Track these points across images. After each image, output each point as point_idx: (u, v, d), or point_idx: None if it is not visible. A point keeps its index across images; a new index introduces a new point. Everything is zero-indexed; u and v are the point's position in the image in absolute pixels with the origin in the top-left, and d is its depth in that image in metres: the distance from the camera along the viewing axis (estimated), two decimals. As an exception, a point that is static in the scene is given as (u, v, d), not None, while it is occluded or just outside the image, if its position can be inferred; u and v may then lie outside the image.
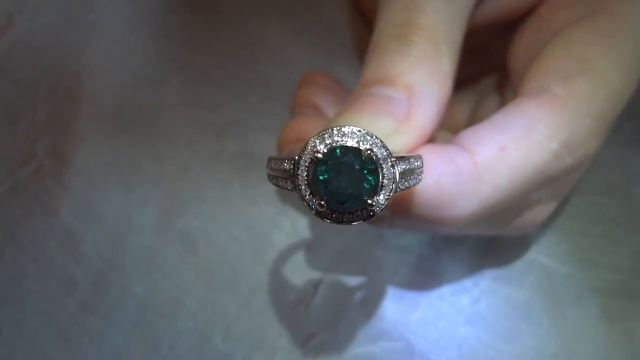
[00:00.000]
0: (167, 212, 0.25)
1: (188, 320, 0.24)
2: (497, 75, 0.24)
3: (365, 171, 0.13)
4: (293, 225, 0.25)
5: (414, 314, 0.23)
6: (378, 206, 0.13)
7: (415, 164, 0.14)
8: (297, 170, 0.13)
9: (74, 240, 0.25)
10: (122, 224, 0.25)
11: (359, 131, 0.13)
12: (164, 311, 0.24)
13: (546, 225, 0.25)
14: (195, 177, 0.26)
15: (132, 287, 0.24)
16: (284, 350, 0.23)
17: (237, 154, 0.26)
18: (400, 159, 0.13)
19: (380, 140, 0.13)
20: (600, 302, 0.23)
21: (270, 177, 0.15)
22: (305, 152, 0.13)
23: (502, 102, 0.23)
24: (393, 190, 0.13)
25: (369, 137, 0.13)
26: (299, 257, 0.24)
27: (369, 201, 0.13)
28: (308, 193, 0.13)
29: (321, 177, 0.13)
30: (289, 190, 0.14)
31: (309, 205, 0.13)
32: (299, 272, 0.24)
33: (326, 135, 0.13)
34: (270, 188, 0.25)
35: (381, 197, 0.13)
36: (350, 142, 0.13)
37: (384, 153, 0.13)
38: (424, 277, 0.24)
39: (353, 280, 0.24)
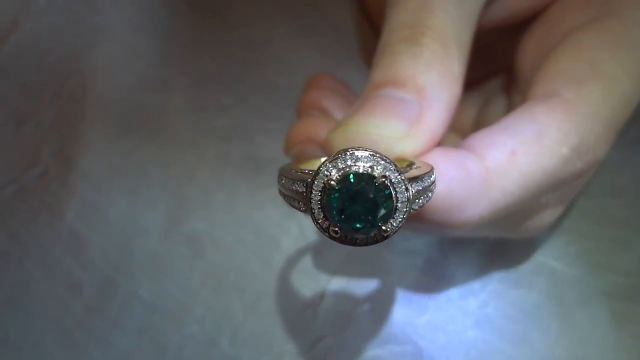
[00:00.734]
0: (174, 216, 0.25)
1: (195, 324, 0.24)
2: (503, 77, 0.24)
3: (379, 197, 0.13)
4: (300, 228, 0.25)
5: (422, 318, 0.23)
6: (392, 230, 0.13)
7: (429, 180, 0.14)
8: (310, 195, 0.13)
9: (80, 243, 0.25)
10: (128, 228, 0.25)
11: (372, 155, 0.13)
12: (170, 315, 0.24)
13: (554, 228, 0.24)
14: (201, 180, 0.25)
15: (139, 290, 0.24)
16: (291, 354, 0.23)
17: (243, 157, 0.26)
18: (414, 179, 0.13)
19: (394, 164, 0.13)
20: (609, 305, 0.23)
21: (283, 195, 0.15)
22: (318, 177, 0.13)
23: (509, 104, 0.23)
24: (407, 213, 0.13)
25: (382, 161, 0.13)
26: (307, 261, 0.24)
27: (383, 227, 0.13)
28: (322, 217, 0.13)
29: (334, 204, 0.13)
30: (301, 211, 0.14)
31: (322, 228, 0.13)
32: (306, 276, 0.24)
33: (339, 161, 0.13)
34: (277, 191, 0.25)
35: (395, 221, 0.13)
36: (363, 167, 0.13)
37: (398, 177, 0.13)
38: (432, 280, 0.24)
39: (361, 284, 0.24)
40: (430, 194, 0.14)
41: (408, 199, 0.13)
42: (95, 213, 0.25)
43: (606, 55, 0.17)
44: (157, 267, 0.24)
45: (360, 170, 0.13)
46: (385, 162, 0.13)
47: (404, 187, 0.13)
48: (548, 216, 0.20)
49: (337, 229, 0.13)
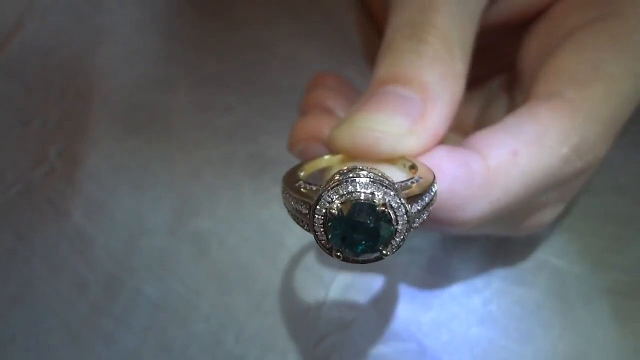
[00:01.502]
0: (179, 215, 0.25)
1: (200, 322, 0.24)
2: (506, 76, 0.24)
3: (380, 224, 0.13)
4: (305, 226, 0.25)
5: (425, 315, 0.23)
6: (392, 251, 0.13)
7: (429, 196, 0.14)
8: (313, 219, 0.13)
9: (85, 242, 0.25)
10: (133, 226, 0.25)
11: (372, 181, 0.13)
12: (176, 313, 0.24)
13: (556, 225, 0.25)
14: (206, 179, 0.26)
15: (144, 289, 0.24)
16: (296, 351, 0.23)
17: (248, 156, 0.26)
18: (415, 198, 0.14)
19: (394, 188, 0.13)
20: (611, 302, 0.23)
21: (287, 209, 0.15)
22: (320, 204, 0.13)
23: (511, 103, 0.23)
24: (407, 233, 0.13)
25: (382, 187, 0.13)
26: (311, 259, 0.24)
27: (384, 251, 0.13)
28: (325, 239, 0.13)
29: (336, 232, 0.13)
30: (305, 230, 0.14)
31: (325, 249, 0.14)
32: (310, 274, 0.24)
33: (340, 188, 0.13)
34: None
35: (395, 242, 0.13)
36: (364, 194, 0.13)
37: (398, 201, 0.13)
38: (435, 278, 0.24)
39: (364, 282, 0.24)
40: (430, 209, 0.14)
41: (408, 220, 0.13)
42: (100, 211, 0.25)
43: (608, 55, 0.17)
44: (162, 265, 0.24)
45: (362, 198, 0.13)
46: (386, 187, 0.13)
47: (403, 210, 0.13)
48: (548, 214, 0.20)
49: (339, 253, 0.13)
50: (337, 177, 0.13)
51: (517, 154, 0.16)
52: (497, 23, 0.21)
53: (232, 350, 0.23)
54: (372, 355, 0.23)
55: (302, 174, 0.17)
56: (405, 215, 0.13)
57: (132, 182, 0.26)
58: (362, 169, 0.13)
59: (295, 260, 0.25)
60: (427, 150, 0.16)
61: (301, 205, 0.14)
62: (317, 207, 0.13)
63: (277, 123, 0.27)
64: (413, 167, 0.15)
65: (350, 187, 0.13)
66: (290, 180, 0.15)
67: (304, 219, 0.14)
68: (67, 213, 0.25)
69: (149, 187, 0.25)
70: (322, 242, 0.13)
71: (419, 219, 0.14)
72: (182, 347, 0.24)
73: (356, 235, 0.13)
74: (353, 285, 0.24)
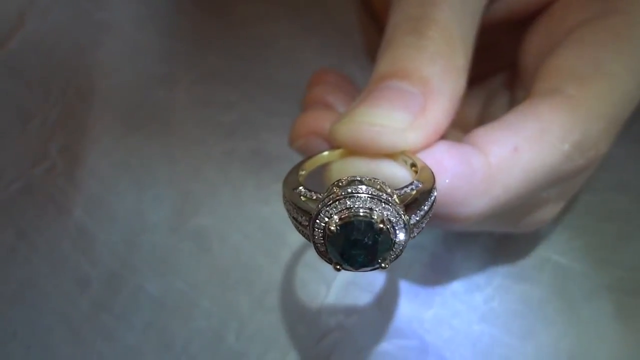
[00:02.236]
0: (180, 212, 0.25)
1: (202, 319, 0.24)
2: (507, 73, 0.24)
3: (378, 240, 0.13)
4: (306, 223, 0.25)
5: (428, 312, 0.23)
6: (390, 261, 0.14)
7: (428, 204, 0.14)
8: (313, 232, 0.13)
9: (87, 239, 0.25)
10: (135, 223, 0.25)
11: (371, 197, 0.13)
12: (177, 310, 0.24)
13: (559, 223, 0.25)
14: (207, 176, 0.26)
15: (146, 286, 0.24)
16: (298, 348, 0.23)
17: (249, 153, 0.26)
18: (413, 208, 0.14)
19: (393, 202, 0.13)
20: (614, 299, 0.23)
21: (290, 220, 0.15)
22: (319, 218, 0.13)
23: (512, 100, 0.23)
24: (405, 244, 0.13)
25: (381, 203, 0.13)
26: (312, 256, 0.24)
27: (383, 264, 0.13)
28: (324, 249, 0.14)
29: (335, 248, 0.13)
30: (306, 239, 0.14)
31: (325, 260, 0.14)
32: (312, 271, 0.24)
33: (339, 204, 0.13)
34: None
35: (394, 254, 0.13)
36: (363, 210, 0.13)
37: (397, 215, 0.13)
38: (437, 275, 0.24)
39: (366, 279, 0.24)
40: (430, 215, 0.14)
41: (406, 232, 0.13)
42: (102, 208, 0.25)
43: (609, 52, 0.17)
44: (163, 262, 0.24)
45: (361, 213, 0.13)
46: (384, 202, 0.13)
47: (402, 224, 0.13)
48: (549, 211, 0.20)
49: (338, 266, 0.13)
50: (335, 190, 0.13)
51: (518, 151, 0.16)
52: (499, 20, 0.21)
53: (234, 347, 0.23)
54: (374, 352, 0.23)
55: (303, 172, 0.17)
56: (404, 228, 0.13)
57: (133, 179, 0.26)
58: (361, 182, 0.14)
59: (297, 257, 0.24)
60: (428, 145, 0.16)
61: (301, 217, 0.14)
62: (317, 221, 0.13)
63: (278, 119, 0.27)
64: (414, 165, 0.15)
65: (348, 202, 0.13)
66: (290, 186, 0.15)
67: (304, 230, 0.14)
68: (68, 210, 0.25)
69: (150, 184, 0.25)
70: (322, 252, 0.14)
71: (418, 228, 0.14)
72: (183, 344, 0.24)
73: (354, 251, 0.13)
74: (355, 282, 0.24)
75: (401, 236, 0.13)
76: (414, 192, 0.14)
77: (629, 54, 0.17)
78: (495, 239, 0.24)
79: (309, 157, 0.18)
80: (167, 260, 0.24)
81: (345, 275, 0.24)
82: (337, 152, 0.17)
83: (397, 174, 0.16)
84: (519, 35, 0.21)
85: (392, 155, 0.16)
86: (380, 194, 0.13)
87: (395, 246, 0.13)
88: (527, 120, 0.17)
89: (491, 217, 0.17)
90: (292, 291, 0.24)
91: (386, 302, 0.24)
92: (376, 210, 0.13)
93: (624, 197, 0.25)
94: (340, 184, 0.14)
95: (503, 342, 0.23)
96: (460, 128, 0.23)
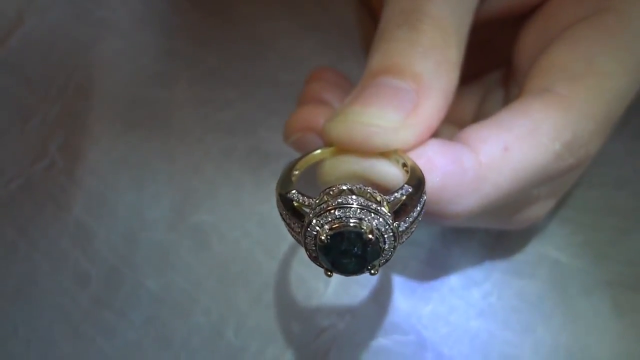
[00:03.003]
0: (179, 209, 0.25)
1: (201, 315, 0.24)
2: (503, 71, 0.24)
3: (367, 250, 0.14)
4: (304, 220, 0.25)
5: (425, 308, 0.24)
6: (380, 265, 0.14)
7: (417, 210, 0.14)
8: (305, 240, 0.14)
9: (86, 236, 0.25)
10: (134, 220, 0.25)
11: (360, 207, 0.13)
12: (177, 306, 0.24)
13: (557, 218, 0.25)
14: (206, 173, 0.26)
15: (145, 282, 0.24)
16: (296, 344, 0.24)
17: (248, 150, 0.26)
18: (404, 214, 0.14)
19: (382, 212, 0.13)
20: (612, 295, 0.23)
21: (283, 223, 0.15)
22: (310, 227, 0.14)
23: (507, 97, 0.23)
24: (394, 250, 0.14)
25: (370, 213, 0.13)
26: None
27: (372, 271, 0.14)
28: (315, 256, 0.14)
29: (326, 257, 0.14)
30: (299, 244, 0.15)
31: (317, 264, 0.14)
32: (310, 267, 0.24)
33: (329, 214, 0.13)
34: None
35: (383, 259, 0.14)
36: (353, 220, 0.13)
37: (386, 225, 0.13)
38: (435, 271, 0.24)
39: (364, 275, 0.24)
40: (420, 219, 0.15)
41: (395, 239, 0.14)
42: (101, 206, 0.25)
43: (602, 50, 0.17)
44: (163, 259, 0.25)
45: (351, 224, 0.13)
46: (374, 213, 0.13)
47: (391, 233, 0.14)
48: (540, 208, 0.20)
49: (329, 272, 0.14)
50: (326, 199, 0.14)
51: (509, 150, 0.16)
52: (494, 17, 0.21)
53: (233, 343, 0.24)
54: (372, 347, 0.23)
55: (296, 172, 0.17)
56: (392, 237, 0.14)
57: (132, 176, 0.26)
58: (351, 191, 0.14)
59: (295, 254, 0.25)
60: (420, 142, 0.16)
61: (293, 223, 0.14)
62: (308, 230, 0.14)
63: (277, 118, 0.27)
64: (405, 165, 0.16)
65: (338, 212, 0.13)
66: (283, 189, 0.15)
67: (296, 235, 0.14)
68: (67, 207, 0.25)
69: (149, 181, 0.26)
70: (314, 257, 0.14)
71: (407, 233, 0.14)
72: (183, 339, 0.24)
73: (345, 260, 0.14)
74: (353, 278, 0.24)
75: (390, 244, 0.14)
76: (404, 197, 0.14)
77: (622, 52, 0.17)
78: (493, 235, 0.24)
79: (303, 156, 0.18)
80: (167, 257, 0.25)
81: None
82: (330, 149, 0.17)
83: (389, 172, 0.16)
84: (514, 33, 0.21)
85: (384, 153, 0.16)
86: (370, 203, 0.13)
87: (384, 253, 0.14)
88: (518, 119, 0.16)
89: (481, 214, 0.17)
90: (291, 287, 0.24)
91: (384, 298, 0.24)
92: (365, 221, 0.13)
93: (623, 193, 0.25)
94: (331, 192, 0.14)
95: (501, 338, 0.23)
96: (456, 125, 0.23)
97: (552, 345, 0.23)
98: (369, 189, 0.14)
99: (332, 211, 0.13)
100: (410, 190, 0.14)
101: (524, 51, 0.21)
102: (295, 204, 0.15)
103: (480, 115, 0.23)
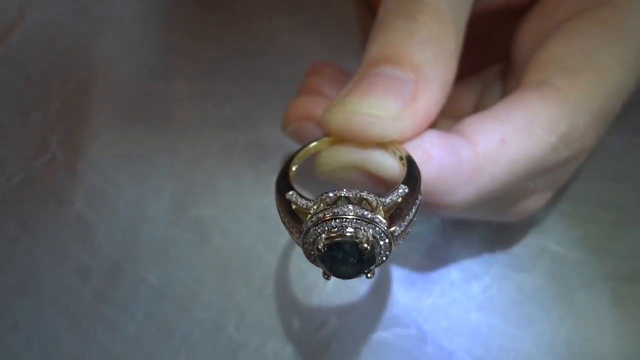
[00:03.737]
0: (180, 203, 0.25)
1: (201, 309, 0.24)
2: (501, 65, 0.24)
3: (363, 258, 0.14)
4: (305, 214, 0.25)
5: (425, 301, 0.24)
6: (375, 268, 0.14)
7: (412, 213, 0.15)
8: (303, 246, 0.14)
9: (88, 230, 0.25)
10: (135, 215, 0.25)
11: (356, 217, 0.14)
12: (177, 300, 0.24)
13: (556, 212, 0.25)
14: (207, 168, 0.26)
15: (146, 276, 0.24)
16: (297, 337, 0.24)
17: (248, 145, 0.26)
18: (399, 217, 0.14)
19: (377, 222, 0.14)
20: (612, 288, 0.23)
21: (282, 222, 0.16)
22: (308, 235, 0.14)
23: (505, 91, 0.23)
24: (389, 253, 0.14)
25: (365, 223, 0.14)
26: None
27: (369, 275, 0.14)
28: (313, 260, 0.14)
29: (323, 264, 0.14)
30: (297, 244, 0.15)
31: (316, 266, 0.15)
32: (311, 261, 0.24)
33: (325, 224, 0.14)
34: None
35: (379, 262, 0.14)
36: (349, 231, 0.14)
37: (382, 233, 0.14)
38: (435, 264, 0.24)
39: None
40: (414, 222, 0.15)
41: (390, 244, 0.14)
42: (102, 200, 0.25)
43: (600, 45, 0.17)
44: (164, 253, 0.25)
45: (347, 234, 0.14)
46: (369, 222, 0.14)
47: (387, 240, 0.14)
48: (536, 201, 0.20)
49: (327, 276, 0.15)
50: (322, 207, 0.14)
51: (506, 142, 0.16)
52: (492, 11, 0.21)
53: (234, 337, 0.24)
54: (372, 340, 0.23)
55: (295, 167, 0.17)
56: (388, 242, 0.14)
57: (133, 171, 0.26)
58: (347, 199, 0.14)
59: (295, 247, 0.25)
60: (418, 133, 0.16)
61: (292, 228, 0.15)
62: (306, 237, 0.14)
63: (277, 113, 0.26)
64: (402, 159, 0.16)
65: (334, 223, 0.14)
66: (282, 189, 0.16)
67: (295, 237, 0.15)
68: (69, 202, 0.25)
69: (150, 176, 0.26)
70: (312, 260, 0.15)
71: (403, 236, 0.15)
72: (184, 334, 0.24)
73: (341, 267, 0.14)
74: (353, 272, 0.24)
75: (385, 249, 0.14)
76: (400, 199, 0.14)
77: (620, 46, 0.17)
78: (494, 228, 0.25)
79: (300, 149, 0.18)
80: (168, 251, 0.25)
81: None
82: (328, 140, 0.17)
83: (386, 163, 0.16)
84: (513, 27, 0.21)
85: (382, 144, 0.16)
86: (366, 213, 0.14)
87: (380, 258, 0.14)
88: (515, 111, 0.17)
89: (477, 205, 0.17)
90: (291, 281, 0.24)
91: (384, 292, 0.24)
92: (361, 230, 0.14)
93: (622, 186, 0.25)
94: (328, 199, 0.14)
95: (501, 331, 0.23)
96: (454, 119, 0.23)
97: (552, 338, 0.23)
98: (364, 194, 0.14)
99: (329, 221, 0.14)
100: (406, 191, 0.14)
101: (522, 44, 0.21)
102: (293, 206, 0.15)
103: (478, 109, 0.23)
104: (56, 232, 0.25)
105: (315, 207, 0.14)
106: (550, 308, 0.23)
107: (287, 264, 0.24)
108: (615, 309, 0.23)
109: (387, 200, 0.14)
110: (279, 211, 0.16)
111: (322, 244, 0.14)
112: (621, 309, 0.23)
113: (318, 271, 0.24)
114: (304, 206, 0.15)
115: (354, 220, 0.14)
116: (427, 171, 0.16)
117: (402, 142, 0.16)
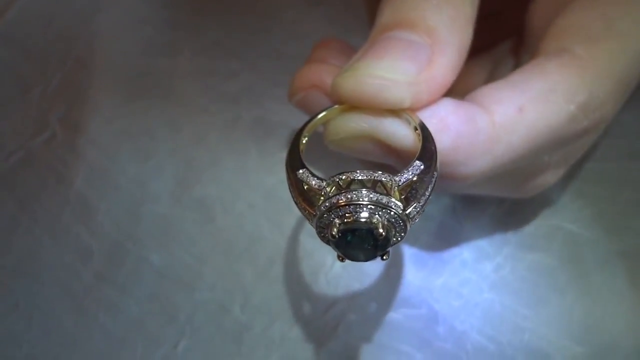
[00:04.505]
0: (183, 181, 0.25)
1: (205, 291, 0.23)
2: (513, 41, 0.23)
3: (378, 243, 0.14)
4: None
5: (437, 281, 0.23)
6: (389, 250, 0.14)
7: (431, 186, 0.14)
8: (317, 229, 0.14)
9: (88, 209, 0.24)
10: (137, 193, 0.25)
11: (372, 202, 0.13)
12: (181, 281, 0.24)
13: (570, 191, 0.24)
14: (211, 144, 0.25)
15: (148, 256, 0.24)
16: (304, 319, 0.23)
17: (252, 121, 0.25)
18: (415, 198, 0.14)
19: (394, 202, 0.13)
20: (626, 266, 0.23)
21: (293, 200, 0.15)
22: (321, 220, 0.14)
23: (517, 66, 0.22)
24: (404, 235, 0.14)
25: (380, 208, 0.13)
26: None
27: (384, 257, 0.14)
28: (327, 241, 0.14)
29: (338, 248, 0.14)
30: (309, 222, 0.15)
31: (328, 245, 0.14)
32: (318, 240, 0.24)
33: (340, 209, 0.13)
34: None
35: (392, 245, 0.14)
36: (364, 216, 0.13)
37: (397, 217, 0.13)
38: (446, 244, 0.24)
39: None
40: (430, 200, 0.14)
41: (406, 226, 0.14)
42: (103, 178, 0.25)
43: (621, 11, 0.17)
44: (166, 232, 0.24)
45: (362, 220, 0.13)
46: (384, 207, 0.13)
47: (401, 222, 0.14)
48: (551, 176, 0.20)
49: (340, 258, 0.14)
50: (335, 190, 0.14)
51: (523, 111, 0.16)
52: None
53: (239, 319, 0.23)
54: (382, 322, 0.23)
55: (305, 140, 0.16)
56: (403, 225, 0.14)
57: (134, 148, 0.25)
58: (362, 183, 0.14)
59: (302, 227, 0.24)
60: (433, 100, 0.16)
61: (304, 211, 0.14)
62: (319, 222, 0.14)
63: (282, 91, 0.26)
64: (417, 129, 0.15)
65: (349, 208, 0.13)
66: (293, 166, 0.15)
67: (307, 215, 0.14)
68: (69, 180, 0.25)
69: (151, 153, 0.25)
70: (325, 242, 0.14)
71: (418, 215, 0.14)
72: (187, 315, 0.23)
73: (355, 252, 0.14)
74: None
75: (400, 231, 0.14)
76: (415, 177, 0.14)
77: None
78: (505, 208, 0.24)
79: (309, 121, 0.17)
80: (170, 231, 0.24)
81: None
82: (338, 108, 0.16)
83: (400, 132, 0.15)
84: (525, 2, 0.21)
85: (395, 112, 0.15)
86: (380, 197, 0.13)
87: (394, 240, 0.14)
88: (533, 80, 0.16)
89: (491, 179, 0.17)
90: (298, 261, 0.24)
91: (394, 272, 0.23)
92: (376, 215, 0.13)
93: (636, 164, 0.24)
94: (341, 182, 0.14)
95: (514, 311, 0.22)
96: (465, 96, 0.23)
97: (567, 317, 0.22)
98: (378, 175, 0.14)
99: (343, 207, 0.13)
100: (421, 167, 0.14)
101: (537, 16, 0.20)
102: (305, 187, 0.14)
103: None
104: (56, 210, 0.24)
105: (328, 189, 0.14)
106: (564, 287, 0.23)
107: (294, 244, 0.24)
108: (631, 287, 0.22)
109: (402, 179, 0.14)
110: (290, 191, 0.15)
111: (336, 230, 0.13)
112: (636, 288, 0.22)
113: (325, 251, 0.24)
114: (317, 186, 0.14)
115: (369, 205, 0.13)
116: (443, 140, 0.15)
117: (415, 110, 0.16)
